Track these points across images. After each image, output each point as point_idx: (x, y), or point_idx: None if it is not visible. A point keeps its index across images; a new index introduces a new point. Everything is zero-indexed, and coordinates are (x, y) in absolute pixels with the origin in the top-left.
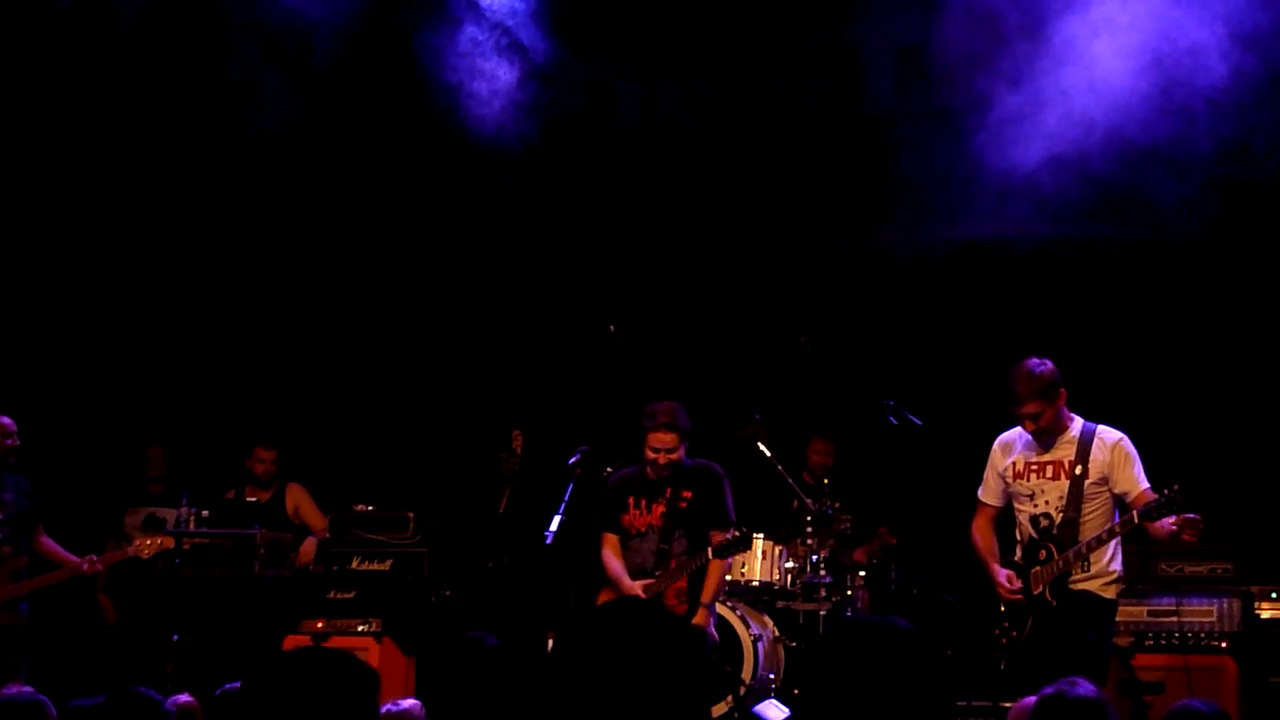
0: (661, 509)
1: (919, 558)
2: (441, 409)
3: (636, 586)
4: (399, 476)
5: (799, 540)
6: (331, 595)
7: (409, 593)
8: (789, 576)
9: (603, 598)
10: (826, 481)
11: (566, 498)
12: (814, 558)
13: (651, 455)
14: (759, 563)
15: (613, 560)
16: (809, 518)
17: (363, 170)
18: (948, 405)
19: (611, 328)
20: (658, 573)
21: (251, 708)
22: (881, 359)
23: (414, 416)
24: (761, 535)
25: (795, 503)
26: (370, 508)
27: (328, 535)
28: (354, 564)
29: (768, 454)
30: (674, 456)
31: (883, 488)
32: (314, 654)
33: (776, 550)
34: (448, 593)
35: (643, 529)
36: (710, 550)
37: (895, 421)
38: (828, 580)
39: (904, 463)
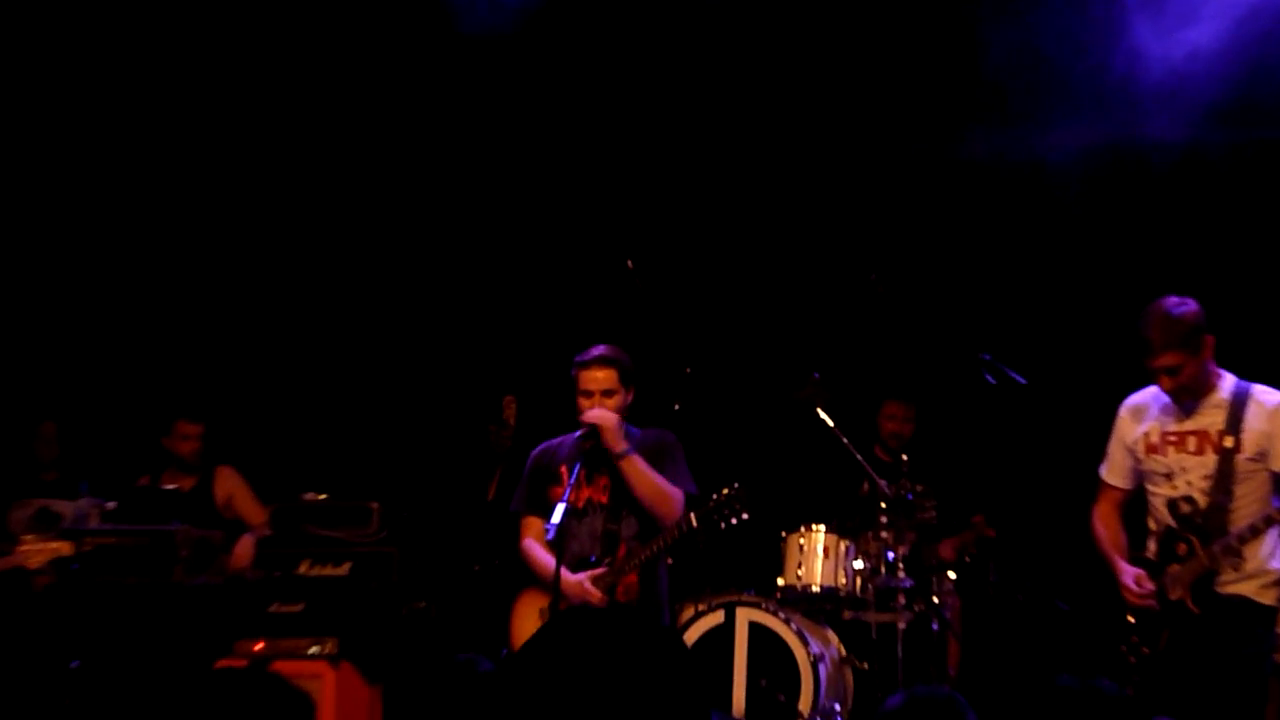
0: (605, 480)
1: (1023, 554)
2: (414, 371)
3: (579, 580)
4: (360, 457)
5: (871, 533)
6: (275, 609)
7: (373, 604)
8: (858, 580)
9: (525, 603)
10: (905, 457)
11: (573, 479)
12: (890, 555)
13: (584, 404)
14: (820, 562)
15: (537, 549)
16: (883, 504)
17: (315, 79)
18: (1060, 359)
19: (629, 263)
20: (605, 562)
21: None
22: (975, 301)
23: (378, 381)
24: (823, 528)
25: (865, 485)
26: (323, 496)
27: (269, 532)
28: (303, 568)
29: (829, 423)
30: (613, 402)
31: (977, 465)
32: (233, 677)
33: (842, 546)
34: (423, 604)
35: (582, 506)
36: (694, 516)
37: (993, 380)
38: (907, 584)
39: (1004, 433)
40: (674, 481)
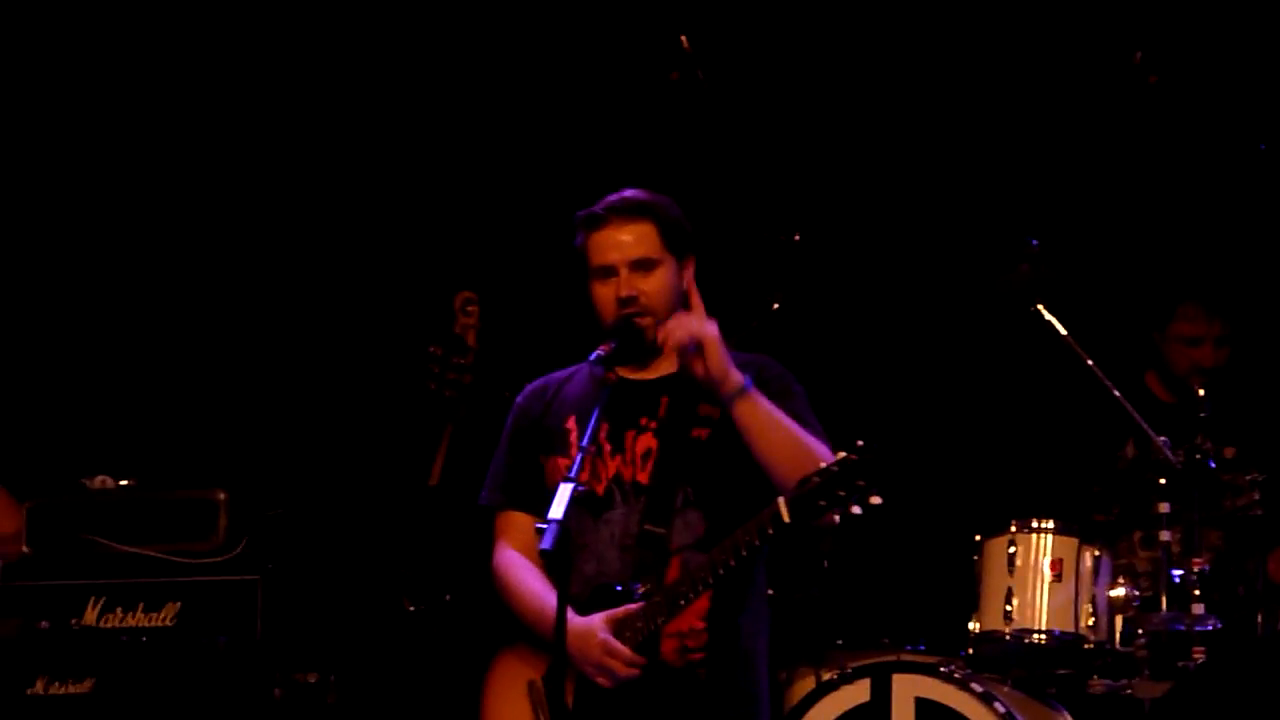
0: (650, 442)
1: None
2: (287, 260)
3: (595, 628)
4: (193, 412)
5: (1140, 535)
6: (38, 689)
7: (219, 678)
8: (1119, 620)
9: (504, 671)
10: (1204, 396)
11: (586, 442)
12: (1177, 575)
13: (602, 293)
14: (1046, 589)
15: (523, 570)
16: (1164, 481)
17: None
18: None
19: (685, 41)
20: (640, 588)
21: None
22: None
23: (225, 285)
24: (1052, 526)
25: (1131, 447)
26: (126, 482)
27: (26, 550)
28: (90, 615)
29: (1061, 331)
30: (656, 281)
31: None
32: None
33: (1088, 559)
34: (313, 676)
35: (603, 491)
36: (783, 504)
37: None
38: (1212, 627)
39: None
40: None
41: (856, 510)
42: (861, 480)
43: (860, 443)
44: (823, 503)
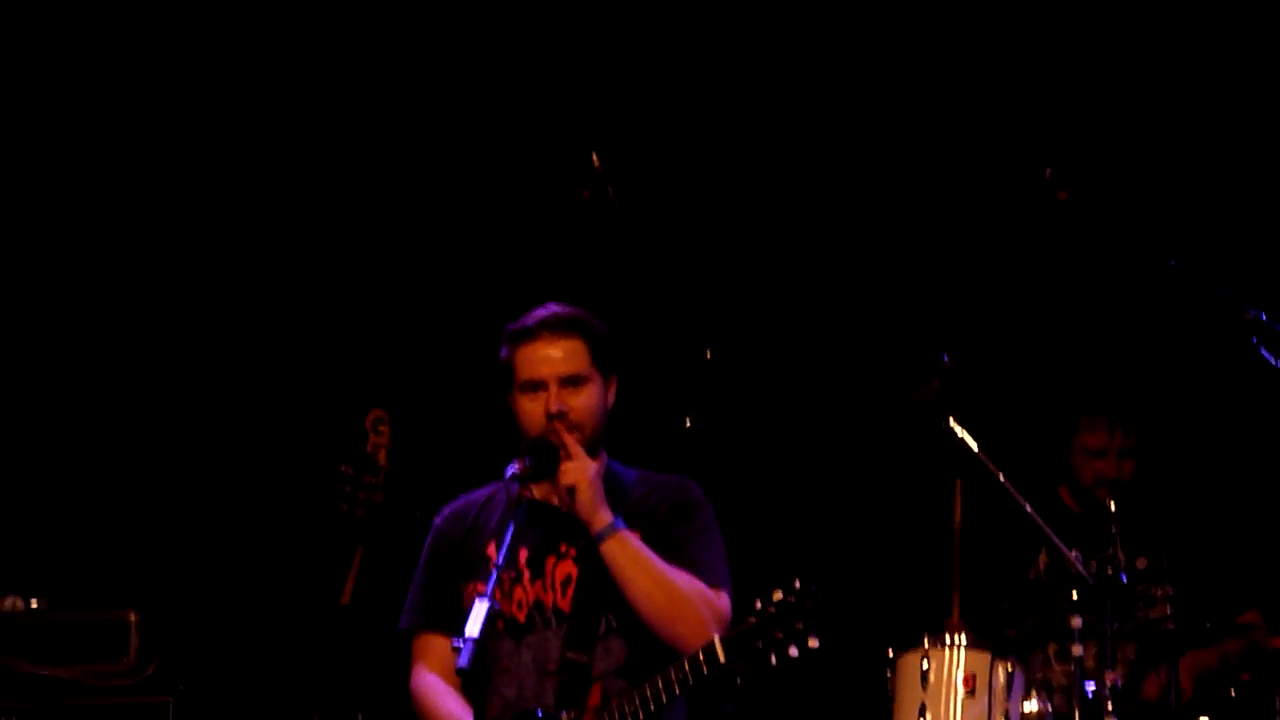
0: (571, 569)
1: None
2: (204, 377)
3: None
4: (103, 531)
5: (1054, 648)
6: None
7: None
8: None
9: None
10: (1115, 510)
11: (501, 559)
12: (1089, 688)
13: (528, 408)
14: (958, 705)
15: (441, 695)
16: (1076, 594)
17: None
18: None
19: (595, 158)
20: (563, 716)
21: None
22: (1223, 217)
23: (134, 400)
24: (964, 641)
25: (1043, 558)
26: (36, 603)
27: None
28: None
29: (973, 447)
30: (584, 398)
31: (1245, 523)
32: None
33: (1000, 674)
34: None
35: (525, 616)
36: (719, 646)
37: (1275, 361)
38: None
39: None
40: (701, 575)
41: (794, 653)
42: (799, 623)
43: (797, 583)
44: (759, 644)
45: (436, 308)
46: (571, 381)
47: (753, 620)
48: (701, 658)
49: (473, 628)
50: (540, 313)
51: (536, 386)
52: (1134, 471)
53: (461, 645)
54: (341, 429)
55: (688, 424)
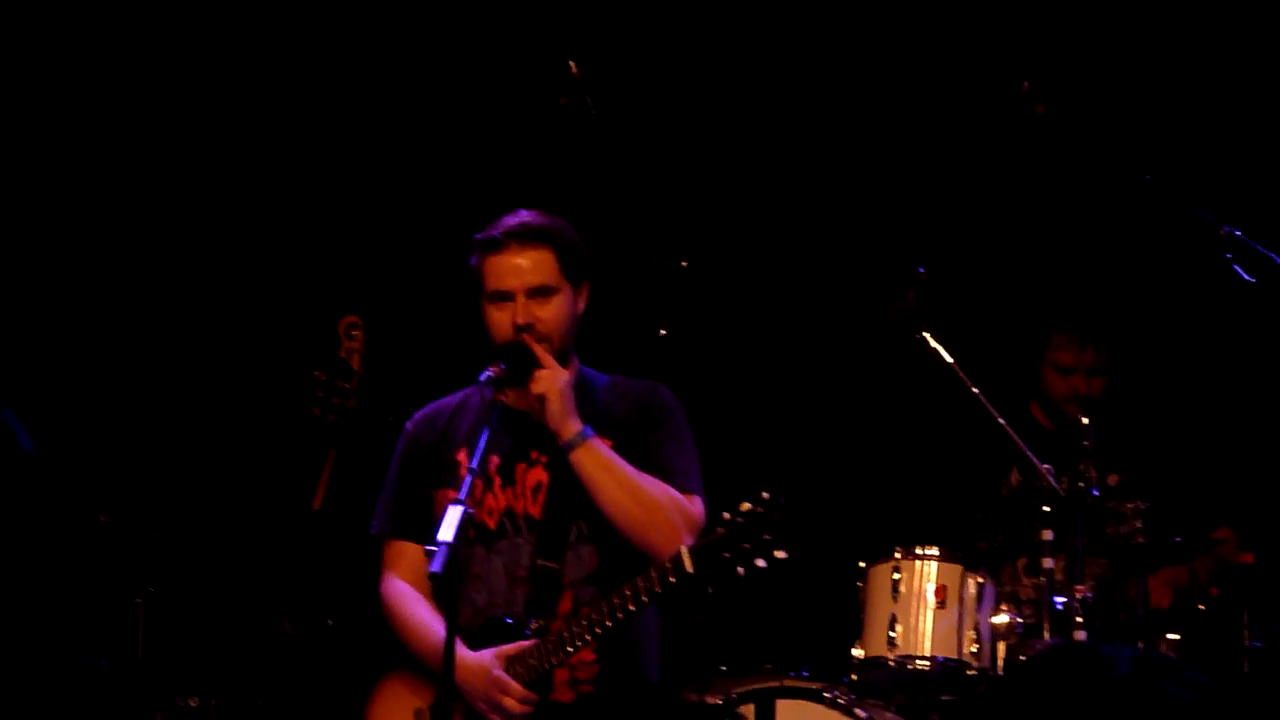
0: (541, 476)
1: None
2: (175, 284)
3: (487, 664)
4: (75, 437)
5: (1023, 562)
6: None
7: (101, 702)
8: (1001, 647)
9: (388, 699)
10: (1087, 424)
11: (475, 464)
12: (1059, 602)
13: (497, 318)
14: (930, 616)
15: (411, 600)
16: (1047, 509)
17: None
18: None
19: (573, 66)
20: (533, 624)
21: None
22: (1200, 132)
23: (110, 301)
24: (936, 553)
25: (1014, 474)
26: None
27: None
28: None
29: (947, 359)
30: (552, 308)
31: (1217, 440)
32: None
33: (971, 585)
34: (193, 701)
35: (495, 524)
36: (687, 555)
37: (1250, 278)
38: None
39: (1266, 382)
40: (673, 481)
41: (761, 564)
42: (766, 534)
43: (765, 494)
44: (726, 554)
45: (410, 213)
46: (539, 292)
47: (720, 531)
48: (669, 567)
49: (446, 532)
50: (509, 221)
51: (504, 297)
52: (1105, 388)
53: (434, 550)
54: (314, 334)
55: (662, 332)
